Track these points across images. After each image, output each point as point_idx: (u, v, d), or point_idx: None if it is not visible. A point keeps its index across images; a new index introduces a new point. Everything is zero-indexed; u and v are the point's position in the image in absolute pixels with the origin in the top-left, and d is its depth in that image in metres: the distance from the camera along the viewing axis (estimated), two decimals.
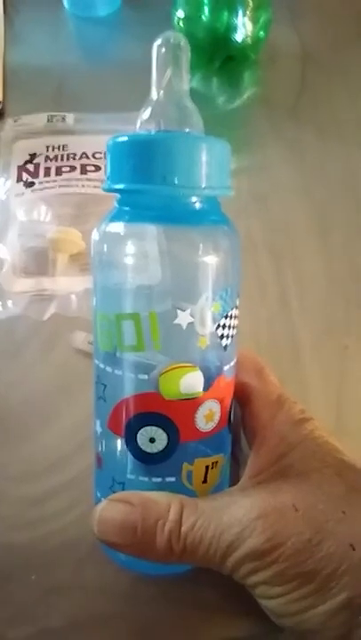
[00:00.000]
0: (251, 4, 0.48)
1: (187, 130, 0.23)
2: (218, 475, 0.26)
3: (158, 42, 0.23)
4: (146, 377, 0.23)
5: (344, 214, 0.43)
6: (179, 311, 0.23)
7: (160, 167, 0.22)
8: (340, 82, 0.51)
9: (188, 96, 0.23)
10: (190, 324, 0.23)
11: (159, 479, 0.24)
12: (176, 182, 0.22)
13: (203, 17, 0.49)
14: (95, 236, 0.24)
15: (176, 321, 0.23)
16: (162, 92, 0.23)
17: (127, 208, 0.24)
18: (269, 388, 0.27)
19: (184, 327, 0.23)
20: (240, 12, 0.48)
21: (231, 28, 0.49)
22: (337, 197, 0.44)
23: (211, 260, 0.23)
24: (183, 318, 0.23)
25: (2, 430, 0.33)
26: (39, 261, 0.38)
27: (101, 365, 0.24)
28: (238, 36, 0.49)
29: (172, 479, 0.24)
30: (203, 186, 0.22)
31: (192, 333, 0.23)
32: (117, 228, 0.24)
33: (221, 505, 0.24)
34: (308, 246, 0.41)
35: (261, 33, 0.50)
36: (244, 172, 0.44)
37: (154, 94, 0.23)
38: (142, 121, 0.23)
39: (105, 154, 0.23)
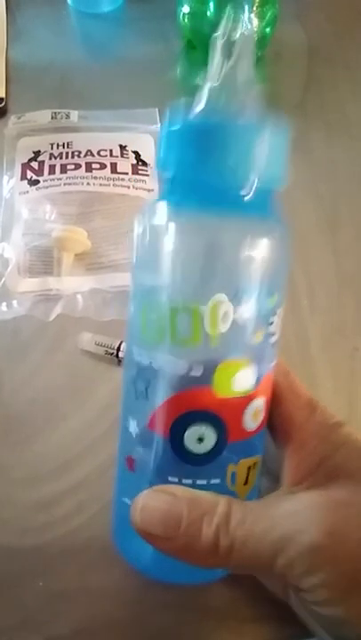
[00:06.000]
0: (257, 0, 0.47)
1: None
2: (256, 475, 0.25)
3: (219, 31, 0.22)
4: (199, 373, 0.22)
5: (353, 211, 0.42)
6: (240, 304, 0.21)
7: (218, 154, 0.21)
8: (346, 77, 0.51)
9: (253, 85, 0.22)
10: (249, 317, 0.22)
11: (204, 481, 0.23)
12: (236, 170, 0.21)
13: (208, 13, 0.48)
14: (139, 223, 0.23)
15: (236, 314, 0.21)
16: (221, 79, 0.22)
17: (177, 196, 0.23)
18: (299, 389, 0.26)
19: (243, 320, 0.22)
20: (246, 8, 0.47)
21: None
22: (346, 193, 0.43)
23: (271, 252, 0.22)
24: (244, 311, 0.22)
25: (7, 432, 0.32)
26: (44, 261, 0.37)
27: (144, 361, 0.23)
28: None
29: (217, 481, 0.23)
30: (261, 176, 0.21)
31: (249, 327, 0.22)
32: (165, 216, 0.22)
33: (271, 502, 0.23)
34: (316, 244, 0.40)
35: (268, 29, 0.49)
36: None
37: (213, 80, 0.22)
38: (198, 108, 0.22)
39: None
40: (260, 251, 0.22)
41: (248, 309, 0.22)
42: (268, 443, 0.26)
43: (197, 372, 0.22)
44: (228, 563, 0.21)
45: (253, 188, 0.22)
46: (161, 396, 0.23)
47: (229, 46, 0.22)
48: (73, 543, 0.28)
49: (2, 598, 0.27)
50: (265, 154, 0.21)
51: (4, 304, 0.35)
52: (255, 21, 0.48)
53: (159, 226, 0.22)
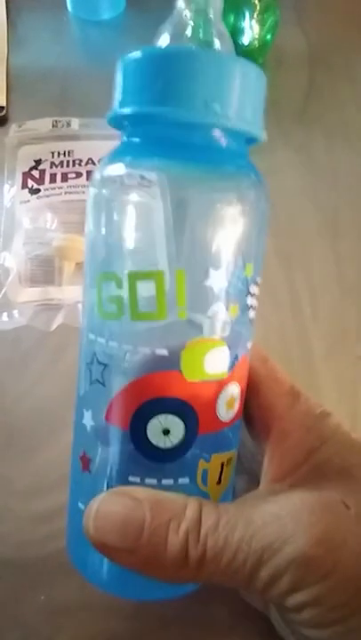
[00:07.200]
0: (258, 6, 0.47)
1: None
2: (230, 474, 0.22)
3: None
4: (165, 352, 0.19)
5: (355, 219, 0.42)
6: (211, 270, 0.18)
7: (183, 87, 0.18)
8: (347, 84, 0.51)
9: (221, 16, 0.19)
10: (223, 287, 0.19)
11: (170, 481, 0.20)
12: (203, 107, 0.18)
13: None
14: (95, 179, 0.20)
15: (207, 282, 0.18)
16: (190, 7, 0.19)
17: (138, 140, 0.19)
18: (279, 376, 0.23)
19: (215, 291, 0.18)
20: (247, 15, 0.47)
21: (238, 31, 0.48)
22: (347, 202, 0.43)
23: (246, 210, 0.19)
24: (216, 279, 0.18)
25: (9, 443, 0.32)
26: (45, 270, 0.37)
27: (101, 340, 0.19)
28: (245, 39, 0.48)
29: (186, 480, 0.20)
30: (236, 116, 0.18)
31: (223, 299, 0.19)
32: (123, 167, 0.19)
33: (250, 503, 0.19)
34: (318, 252, 0.40)
35: (268, 36, 0.49)
36: None
37: (181, 8, 0.19)
38: (164, 38, 0.19)
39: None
40: (233, 208, 0.19)
41: (222, 278, 0.19)
42: (244, 438, 0.23)
43: (162, 352, 0.19)
44: (200, 576, 0.18)
45: (224, 133, 0.19)
46: (120, 381, 0.19)
47: None
48: None
49: (3, 612, 0.27)
50: (237, 90, 0.18)
51: (5, 314, 0.35)
52: (256, 28, 0.48)
53: (115, 182, 0.19)
